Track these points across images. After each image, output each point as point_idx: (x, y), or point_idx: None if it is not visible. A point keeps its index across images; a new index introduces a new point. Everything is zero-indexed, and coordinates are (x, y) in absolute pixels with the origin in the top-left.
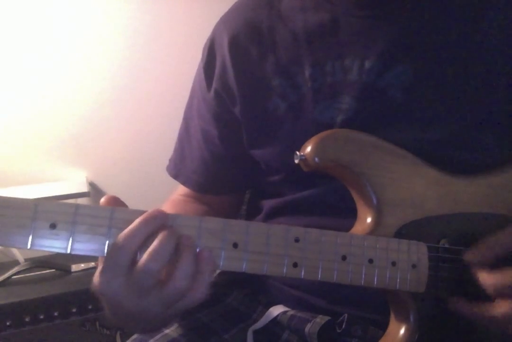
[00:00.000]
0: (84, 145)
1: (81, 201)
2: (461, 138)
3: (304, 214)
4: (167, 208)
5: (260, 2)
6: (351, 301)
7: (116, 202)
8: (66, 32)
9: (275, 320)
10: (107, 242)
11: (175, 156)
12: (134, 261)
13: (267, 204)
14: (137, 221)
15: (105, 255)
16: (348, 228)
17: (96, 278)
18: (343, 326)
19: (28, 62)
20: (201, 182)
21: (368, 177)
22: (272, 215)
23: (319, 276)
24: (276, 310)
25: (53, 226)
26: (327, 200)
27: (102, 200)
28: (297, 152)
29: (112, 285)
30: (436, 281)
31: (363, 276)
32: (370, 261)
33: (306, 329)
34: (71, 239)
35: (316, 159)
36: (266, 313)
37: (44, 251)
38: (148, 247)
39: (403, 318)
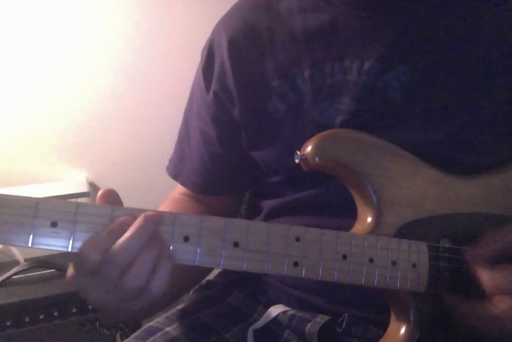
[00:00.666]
0: (84, 145)
1: (81, 201)
2: (461, 138)
3: (304, 214)
4: (167, 206)
5: (259, 4)
6: (351, 301)
7: (113, 195)
8: (66, 33)
9: (275, 320)
10: None
11: (174, 157)
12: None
13: (267, 204)
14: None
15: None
16: (348, 228)
17: (69, 268)
18: (343, 326)
19: (28, 62)
20: (200, 183)
21: (368, 176)
22: (272, 215)
23: (320, 276)
24: (276, 310)
25: (54, 224)
26: (327, 200)
27: (99, 193)
28: (298, 152)
29: (78, 280)
30: (436, 280)
31: (363, 276)
32: (371, 260)
33: (306, 329)
34: (72, 237)
35: (317, 159)
36: (267, 313)
37: (44, 250)
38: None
39: (403, 317)
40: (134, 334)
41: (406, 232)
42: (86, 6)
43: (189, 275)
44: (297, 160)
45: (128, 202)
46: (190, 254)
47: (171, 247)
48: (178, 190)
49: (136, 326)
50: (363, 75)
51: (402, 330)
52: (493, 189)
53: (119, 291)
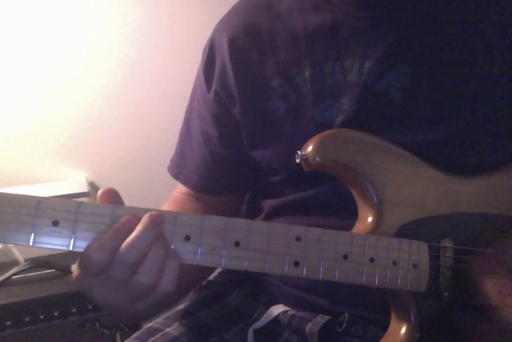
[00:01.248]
0: (84, 145)
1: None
2: (461, 138)
3: (305, 214)
4: (168, 205)
5: (260, 4)
6: (352, 301)
7: (114, 194)
8: (66, 33)
9: (275, 320)
10: None
11: (176, 157)
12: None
13: (268, 204)
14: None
15: None
16: (348, 228)
17: (74, 268)
18: (344, 325)
19: (28, 62)
20: (201, 182)
21: (369, 176)
22: (273, 215)
23: (321, 275)
24: (277, 310)
25: (55, 223)
26: (327, 200)
27: (100, 192)
28: (298, 152)
29: (85, 281)
30: (437, 280)
31: (364, 275)
32: (371, 260)
33: (307, 329)
34: (73, 237)
35: (317, 158)
36: (267, 313)
37: (44, 250)
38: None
39: (404, 317)
40: (133, 335)
41: (406, 231)
42: (86, 6)
43: (192, 275)
44: (298, 160)
45: (128, 201)
46: (191, 254)
47: (172, 246)
48: (179, 189)
49: (136, 326)
50: (363, 75)
51: (403, 330)
52: (493, 189)
53: (126, 291)
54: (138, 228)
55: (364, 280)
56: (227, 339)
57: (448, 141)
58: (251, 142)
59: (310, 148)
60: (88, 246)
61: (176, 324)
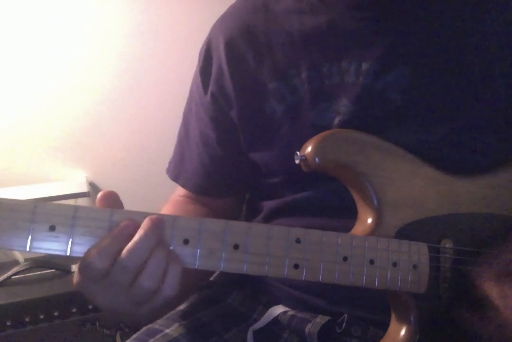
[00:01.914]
0: (84, 145)
1: (81, 201)
2: (461, 138)
3: (304, 215)
4: (168, 208)
5: (256, 5)
6: (351, 301)
7: (113, 197)
8: (66, 33)
9: (275, 320)
10: None
11: (174, 159)
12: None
13: (267, 205)
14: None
15: None
16: (348, 229)
17: (75, 273)
18: (343, 326)
19: (28, 62)
20: (201, 185)
21: (368, 177)
22: (272, 216)
23: (320, 278)
24: (276, 310)
25: (52, 228)
26: (326, 201)
27: (99, 195)
28: (298, 153)
29: (86, 286)
30: (437, 281)
31: (364, 277)
32: (371, 261)
33: (306, 329)
34: (70, 241)
35: (317, 159)
36: (266, 313)
37: None
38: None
39: (404, 318)
40: (133, 336)
41: (406, 232)
42: (85, 6)
43: (192, 278)
44: (297, 161)
45: (128, 202)
46: (190, 257)
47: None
48: (179, 192)
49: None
50: (361, 76)
51: (403, 331)
52: (493, 189)
53: (129, 295)
54: (140, 233)
55: (364, 282)
56: (227, 339)
57: (447, 142)
58: (249, 144)
59: (309, 149)
60: (88, 252)
61: (176, 325)
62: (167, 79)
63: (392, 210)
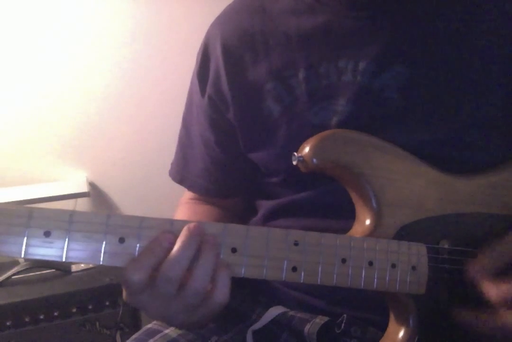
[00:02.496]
0: (84, 145)
1: (81, 201)
2: (459, 138)
3: (302, 216)
4: (183, 212)
5: (253, 6)
6: (350, 302)
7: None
8: (66, 33)
9: (274, 321)
10: (102, 249)
11: (177, 161)
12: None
13: (265, 205)
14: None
15: (101, 263)
16: (346, 230)
17: (123, 289)
18: (342, 326)
19: (28, 62)
20: (207, 186)
21: (367, 177)
22: (270, 217)
23: (319, 280)
24: (276, 311)
25: (47, 234)
26: (325, 201)
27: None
28: (295, 154)
29: (134, 299)
30: (436, 282)
31: (363, 279)
32: (370, 263)
33: (306, 330)
34: (65, 247)
35: (314, 160)
36: (266, 314)
37: None
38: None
39: (402, 320)
40: (133, 336)
41: (405, 233)
42: (86, 7)
43: None
44: (294, 162)
45: (128, 201)
46: None
47: None
48: (188, 194)
49: (136, 326)
50: (358, 75)
51: (401, 332)
52: (493, 189)
53: (178, 304)
54: (178, 242)
55: (362, 284)
56: (226, 340)
57: (446, 141)
58: (247, 145)
59: (306, 149)
60: (126, 267)
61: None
62: (167, 79)
63: (391, 211)
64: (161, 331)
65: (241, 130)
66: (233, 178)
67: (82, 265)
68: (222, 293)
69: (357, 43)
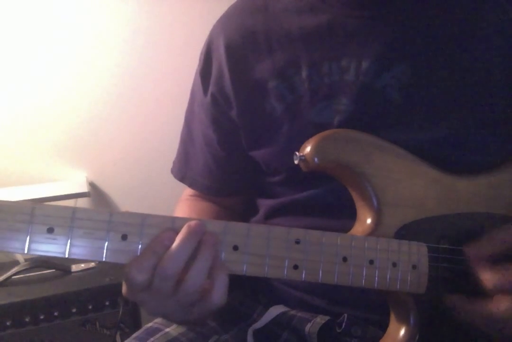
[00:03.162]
0: (84, 145)
1: (81, 201)
2: (460, 138)
3: (303, 215)
4: (183, 209)
5: (256, 5)
6: (351, 301)
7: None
8: (66, 33)
9: (275, 320)
10: (105, 246)
11: (179, 159)
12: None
13: (266, 204)
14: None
15: (103, 259)
16: (347, 229)
17: (123, 284)
18: (343, 326)
19: (28, 62)
20: (207, 184)
21: (368, 177)
22: (271, 216)
23: (320, 278)
24: (276, 310)
25: (50, 230)
26: (326, 201)
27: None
28: (297, 153)
29: (133, 296)
30: (436, 281)
31: (363, 278)
32: (371, 262)
33: (306, 329)
34: (68, 243)
35: (316, 159)
36: (266, 313)
37: None
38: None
39: (403, 319)
40: (133, 335)
41: (406, 232)
42: (86, 6)
43: None
44: (296, 162)
45: (128, 201)
46: None
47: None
48: (188, 192)
49: (137, 326)
50: (360, 75)
51: (402, 331)
52: (493, 189)
53: (173, 302)
54: (177, 241)
55: (363, 282)
56: (226, 339)
57: (447, 141)
58: (250, 143)
59: (308, 149)
60: (128, 266)
61: (175, 324)
62: (167, 79)
63: (392, 210)
64: (162, 330)
65: (244, 128)
66: (234, 176)
67: (82, 265)
68: (219, 293)
69: (360, 43)
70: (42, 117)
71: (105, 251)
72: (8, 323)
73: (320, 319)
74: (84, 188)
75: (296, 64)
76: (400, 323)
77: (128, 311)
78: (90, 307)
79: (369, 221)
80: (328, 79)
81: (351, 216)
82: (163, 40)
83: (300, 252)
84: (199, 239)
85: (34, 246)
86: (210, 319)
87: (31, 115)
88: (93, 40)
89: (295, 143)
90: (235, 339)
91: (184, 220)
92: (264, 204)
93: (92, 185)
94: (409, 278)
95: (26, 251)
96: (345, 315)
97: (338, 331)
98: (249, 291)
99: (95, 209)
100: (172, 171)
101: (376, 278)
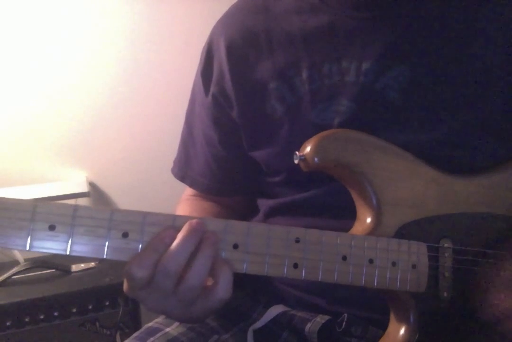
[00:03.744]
0: (84, 145)
1: (81, 201)
2: (460, 138)
3: (303, 215)
4: (184, 208)
5: (257, 5)
6: (351, 301)
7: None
8: (66, 33)
9: (275, 320)
10: (106, 243)
11: (179, 159)
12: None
13: (266, 204)
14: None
15: (104, 257)
16: (347, 229)
17: (124, 282)
18: (343, 325)
19: (29, 62)
20: (208, 184)
21: (368, 177)
22: (271, 216)
23: (320, 277)
24: (276, 310)
25: (52, 228)
26: (326, 201)
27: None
28: (297, 153)
29: (134, 293)
30: (436, 281)
31: (363, 277)
32: (371, 261)
33: (306, 329)
34: (70, 241)
35: (316, 159)
36: (266, 313)
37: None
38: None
39: (403, 318)
40: (133, 335)
41: (405, 232)
42: (86, 6)
43: None
44: (296, 161)
45: (128, 201)
46: None
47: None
48: (189, 191)
49: (137, 326)
50: (361, 76)
51: (402, 330)
52: (493, 189)
53: (177, 298)
54: (178, 238)
55: (363, 282)
56: (226, 339)
57: (447, 141)
58: (250, 143)
59: (308, 149)
60: (129, 263)
61: (176, 324)
62: (167, 79)
63: (392, 210)
64: (162, 330)
65: (244, 128)
66: (234, 176)
67: (82, 265)
68: (224, 289)
69: (360, 44)
70: (42, 117)
71: (106, 248)
72: (8, 323)
73: (320, 319)
74: (84, 188)
75: (296, 65)
76: (399, 323)
77: (128, 311)
78: (90, 307)
79: (369, 220)
80: (328, 80)
81: (351, 216)
82: (164, 40)
83: (300, 251)
84: (200, 237)
85: (36, 243)
86: (210, 319)
87: (31, 116)
88: (93, 40)
89: (295, 144)
90: (235, 339)
91: (185, 218)
92: (264, 204)
93: (92, 185)
94: (408, 277)
95: (28, 248)
96: (345, 314)
97: (338, 330)
98: (249, 290)
99: (96, 207)
100: (173, 171)
101: (376, 277)
